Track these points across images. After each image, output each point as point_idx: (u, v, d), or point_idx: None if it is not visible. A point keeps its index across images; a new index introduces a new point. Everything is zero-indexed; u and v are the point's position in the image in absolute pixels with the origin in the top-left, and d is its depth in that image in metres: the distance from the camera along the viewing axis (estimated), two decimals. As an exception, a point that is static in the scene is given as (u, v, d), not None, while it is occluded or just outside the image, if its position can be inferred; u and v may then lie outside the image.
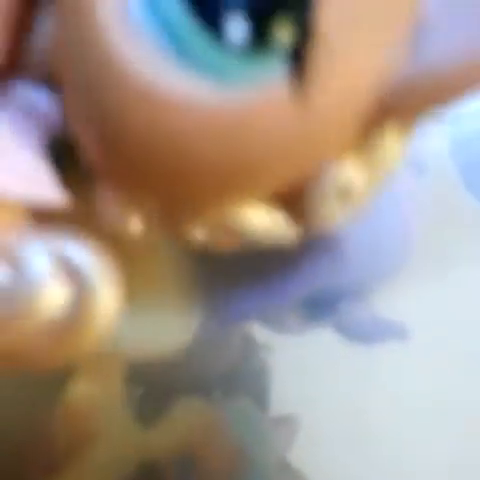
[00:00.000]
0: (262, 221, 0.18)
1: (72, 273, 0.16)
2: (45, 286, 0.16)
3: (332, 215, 0.19)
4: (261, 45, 0.14)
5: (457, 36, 0.16)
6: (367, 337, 0.34)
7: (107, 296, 0.16)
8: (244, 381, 0.42)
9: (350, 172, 0.18)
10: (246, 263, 0.28)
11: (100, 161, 0.17)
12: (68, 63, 0.16)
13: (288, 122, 0.15)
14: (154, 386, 0.38)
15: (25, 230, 0.17)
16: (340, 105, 0.16)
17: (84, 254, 0.16)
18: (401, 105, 0.16)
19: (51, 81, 0.17)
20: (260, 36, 0.14)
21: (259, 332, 0.42)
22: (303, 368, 0.45)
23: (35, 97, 0.17)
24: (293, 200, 0.18)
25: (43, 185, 0.17)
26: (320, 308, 0.32)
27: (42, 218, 0.18)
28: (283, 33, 0.14)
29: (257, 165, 0.16)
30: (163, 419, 0.34)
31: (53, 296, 0.16)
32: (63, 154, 0.18)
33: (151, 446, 0.33)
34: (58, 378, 0.32)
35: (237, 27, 0.14)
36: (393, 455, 0.46)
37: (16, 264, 0.16)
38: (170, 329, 0.30)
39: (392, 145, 0.18)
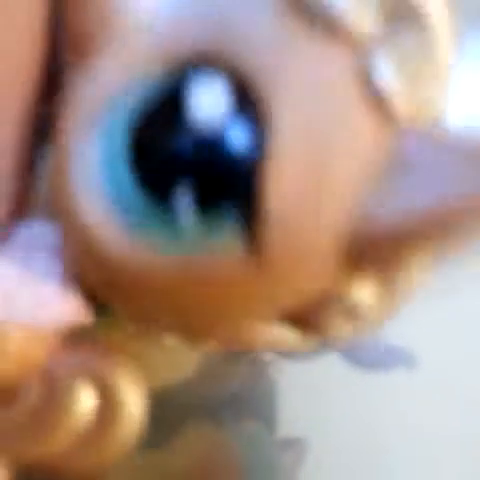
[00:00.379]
0: (270, 336, 0.18)
1: (100, 387, 0.18)
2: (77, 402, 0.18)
3: (340, 331, 0.19)
4: (211, 215, 0.15)
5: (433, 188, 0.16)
6: (373, 364, 0.35)
7: (132, 406, 0.18)
8: (253, 403, 0.42)
9: (361, 295, 0.18)
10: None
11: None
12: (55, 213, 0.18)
13: (243, 280, 0.16)
14: (164, 409, 0.38)
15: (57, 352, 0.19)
16: (297, 260, 0.16)
17: (111, 368, 0.18)
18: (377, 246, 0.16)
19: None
20: (209, 207, 0.15)
21: (267, 354, 0.42)
22: (312, 391, 0.45)
23: (43, 232, 0.19)
24: (301, 318, 0.18)
25: (66, 307, 0.18)
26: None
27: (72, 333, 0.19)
28: (231, 206, 0.15)
29: (223, 312, 0.17)
30: (174, 443, 0.34)
31: (83, 409, 0.18)
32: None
33: (162, 470, 0.34)
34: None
35: (185, 199, 0.15)
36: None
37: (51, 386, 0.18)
38: (174, 362, 0.31)
39: (408, 273, 0.18)
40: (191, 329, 0.18)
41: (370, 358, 0.34)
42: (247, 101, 0.15)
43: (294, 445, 0.41)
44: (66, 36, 0.19)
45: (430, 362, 0.39)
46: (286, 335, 0.19)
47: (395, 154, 0.16)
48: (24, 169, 0.19)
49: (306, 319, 0.18)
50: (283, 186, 0.15)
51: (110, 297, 0.18)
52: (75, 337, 0.18)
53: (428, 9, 0.16)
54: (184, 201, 0.15)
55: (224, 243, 0.15)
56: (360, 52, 0.16)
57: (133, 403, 0.18)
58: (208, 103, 0.15)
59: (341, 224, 0.16)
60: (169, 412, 0.37)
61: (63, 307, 0.18)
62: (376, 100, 0.15)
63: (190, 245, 0.15)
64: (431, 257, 0.18)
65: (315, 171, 0.15)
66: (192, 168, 0.15)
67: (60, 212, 0.18)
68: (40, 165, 0.19)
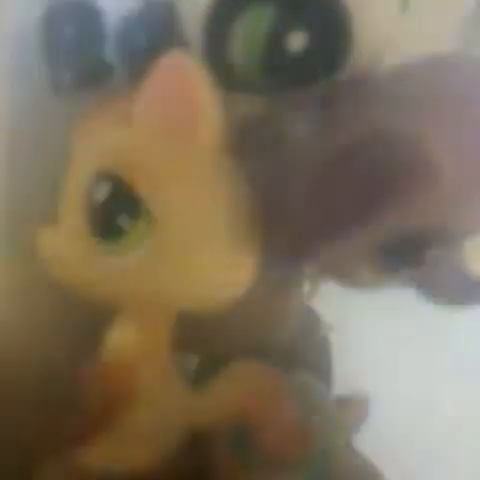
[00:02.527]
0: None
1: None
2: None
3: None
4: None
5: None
6: (455, 297, 0.29)
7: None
8: (305, 356, 0.38)
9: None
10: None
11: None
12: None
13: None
14: (208, 350, 0.34)
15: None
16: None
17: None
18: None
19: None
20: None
21: (323, 307, 0.38)
22: (374, 341, 0.40)
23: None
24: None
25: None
26: (399, 259, 0.27)
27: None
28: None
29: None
30: (216, 382, 0.29)
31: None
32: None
33: (201, 412, 0.29)
34: (100, 320, 0.28)
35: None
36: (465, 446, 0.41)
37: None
38: (227, 271, 0.27)
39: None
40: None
41: (450, 289, 0.29)
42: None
43: (354, 403, 0.37)
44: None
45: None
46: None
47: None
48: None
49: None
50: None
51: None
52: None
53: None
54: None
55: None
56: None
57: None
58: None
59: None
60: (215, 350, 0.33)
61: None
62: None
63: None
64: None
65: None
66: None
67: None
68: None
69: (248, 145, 0.27)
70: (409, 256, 0.27)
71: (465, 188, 0.25)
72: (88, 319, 0.29)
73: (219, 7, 0.26)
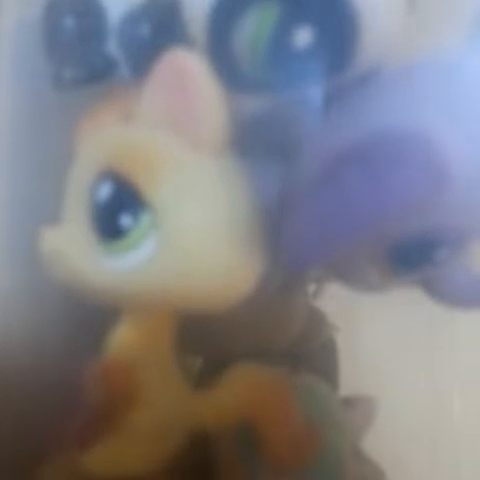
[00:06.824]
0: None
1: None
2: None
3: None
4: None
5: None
6: (464, 299, 0.28)
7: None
8: (311, 357, 0.37)
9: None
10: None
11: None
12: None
13: None
14: (212, 351, 0.34)
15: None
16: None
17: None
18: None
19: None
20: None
21: (328, 305, 0.38)
22: (383, 342, 0.40)
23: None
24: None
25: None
26: (408, 260, 0.27)
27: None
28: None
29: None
30: (219, 384, 0.29)
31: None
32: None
33: (204, 414, 0.29)
34: (102, 321, 0.28)
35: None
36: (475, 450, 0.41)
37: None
38: (233, 270, 0.26)
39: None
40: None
41: (459, 291, 0.28)
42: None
43: (361, 404, 0.36)
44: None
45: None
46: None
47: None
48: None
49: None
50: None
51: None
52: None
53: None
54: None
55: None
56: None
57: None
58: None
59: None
60: (219, 352, 0.32)
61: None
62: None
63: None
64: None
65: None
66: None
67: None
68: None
69: (251, 143, 0.27)
70: (418, 258, 0.26)
71: (475, 188, 0.25)
72: (90, 319, 0.29)
73: (223, 2, 0.25)
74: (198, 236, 0.25)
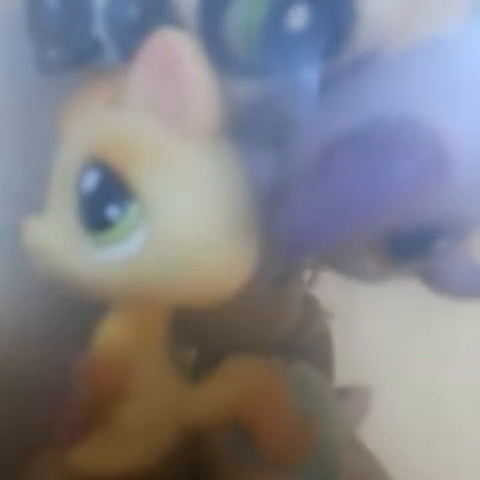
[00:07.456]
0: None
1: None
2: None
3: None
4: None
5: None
6: (463, 289, 0.28)
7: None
8: (305, 347, 0.37)
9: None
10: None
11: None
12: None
13: None
14: (207, 343, 0.33)
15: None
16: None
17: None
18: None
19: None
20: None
21: (323, 294, 0.37)
22: (380, 333, 0.39)
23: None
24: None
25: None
26: (407, 250, 0.26)
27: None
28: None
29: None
30: (212, 377, 0.28)
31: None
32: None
33: (196, 408, 0.28)
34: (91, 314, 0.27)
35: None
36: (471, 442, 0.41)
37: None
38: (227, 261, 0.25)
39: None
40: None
41: (458, 282, 0.27)
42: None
43: (356, 395, 0.36)
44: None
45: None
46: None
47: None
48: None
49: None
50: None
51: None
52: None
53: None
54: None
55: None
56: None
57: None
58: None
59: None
60: (211, 346, 0.32)
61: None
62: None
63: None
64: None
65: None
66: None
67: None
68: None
69: (244, 129, 0.26)
70: (417, 248, 0.25)
71: (475, 176, 0.24)
72: (79, 313, 0.28)
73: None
74: (189, 227, 0.24)
